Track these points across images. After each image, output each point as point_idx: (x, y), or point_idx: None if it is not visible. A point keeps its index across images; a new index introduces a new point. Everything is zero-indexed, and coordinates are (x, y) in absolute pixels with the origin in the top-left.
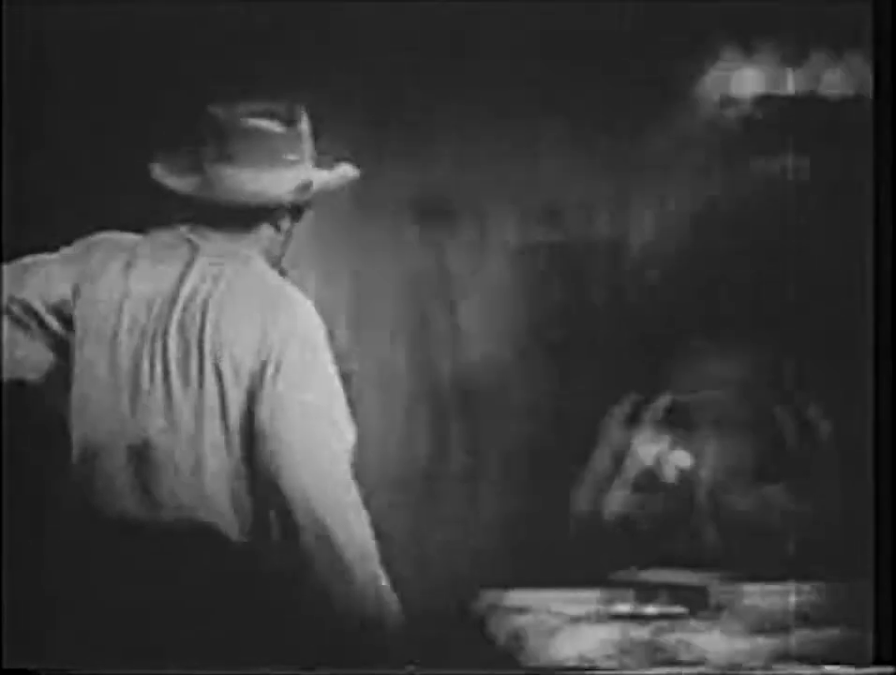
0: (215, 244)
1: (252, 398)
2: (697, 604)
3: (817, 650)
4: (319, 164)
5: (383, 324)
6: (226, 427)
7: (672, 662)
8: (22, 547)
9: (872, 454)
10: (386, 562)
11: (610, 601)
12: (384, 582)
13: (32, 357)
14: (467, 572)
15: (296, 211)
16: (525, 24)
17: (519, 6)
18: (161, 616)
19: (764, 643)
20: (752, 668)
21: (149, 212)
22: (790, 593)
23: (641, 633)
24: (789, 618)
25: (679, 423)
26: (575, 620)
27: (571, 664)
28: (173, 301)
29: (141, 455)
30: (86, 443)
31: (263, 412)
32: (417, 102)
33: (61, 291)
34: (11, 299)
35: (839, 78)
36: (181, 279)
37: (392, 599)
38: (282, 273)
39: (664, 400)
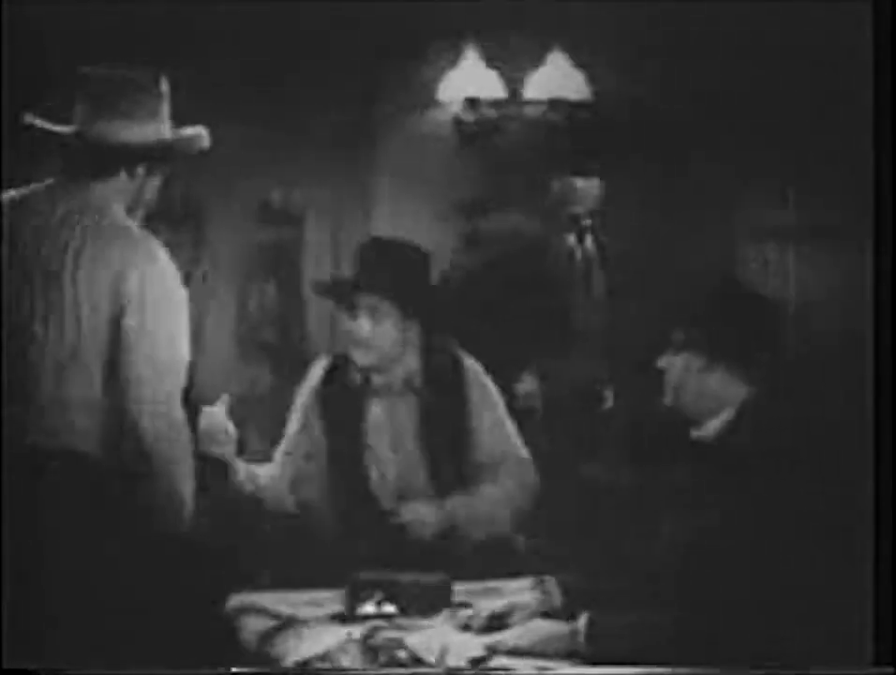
0: (74, 195)
1: (111, 333)
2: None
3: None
4: (175, 124)
5: None
6: (89, 361)
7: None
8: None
9: (872, 453)
10: None
11: (354, 601)
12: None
13: None
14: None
15: (151, 163)
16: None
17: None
18: None
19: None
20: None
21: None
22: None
23: (386, 633)
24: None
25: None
26: (321, 620)
27: (315, 664)
28: (38, 248)
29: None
30: None
31: (120, 345)
32: None
33: None
34: None
35: (577, 82)
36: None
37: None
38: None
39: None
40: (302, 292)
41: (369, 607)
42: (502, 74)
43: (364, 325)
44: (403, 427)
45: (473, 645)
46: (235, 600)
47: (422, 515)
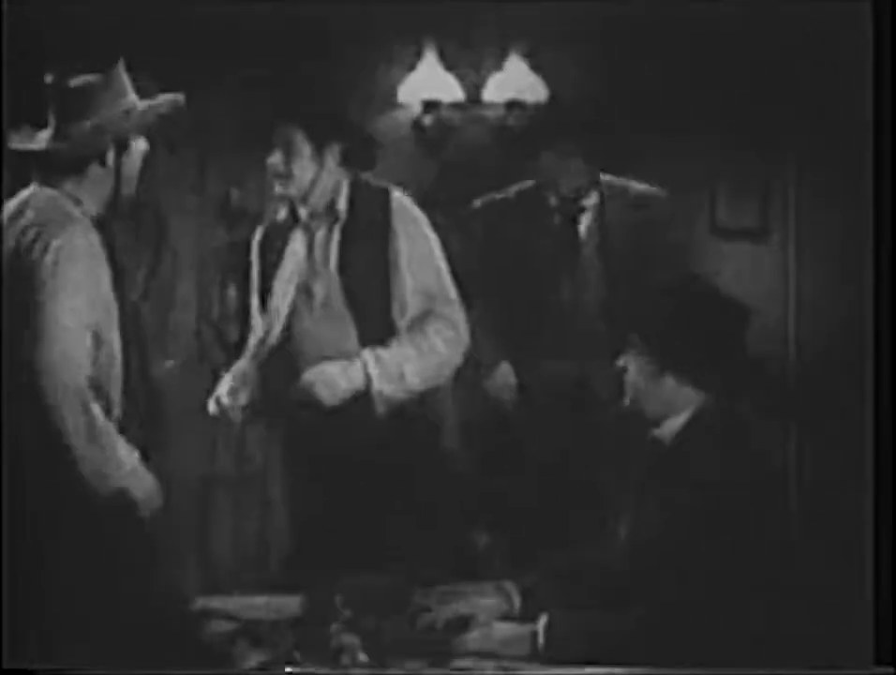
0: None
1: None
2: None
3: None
4: (142, 95)
5: None
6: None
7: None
8: (21, 547)
9: (871, 454)
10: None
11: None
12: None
13: None
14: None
15: (120, 144)
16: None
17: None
18: None
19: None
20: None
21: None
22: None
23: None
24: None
25: None
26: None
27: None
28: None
29: None
30: None
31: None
32: None
33: None
34: None
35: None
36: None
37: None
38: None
39: None
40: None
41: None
42: (461, 76)
43: (277, 157)
44: (323, 257)
45: (433, 647)
46: (199, 603)
47: (328, 377)
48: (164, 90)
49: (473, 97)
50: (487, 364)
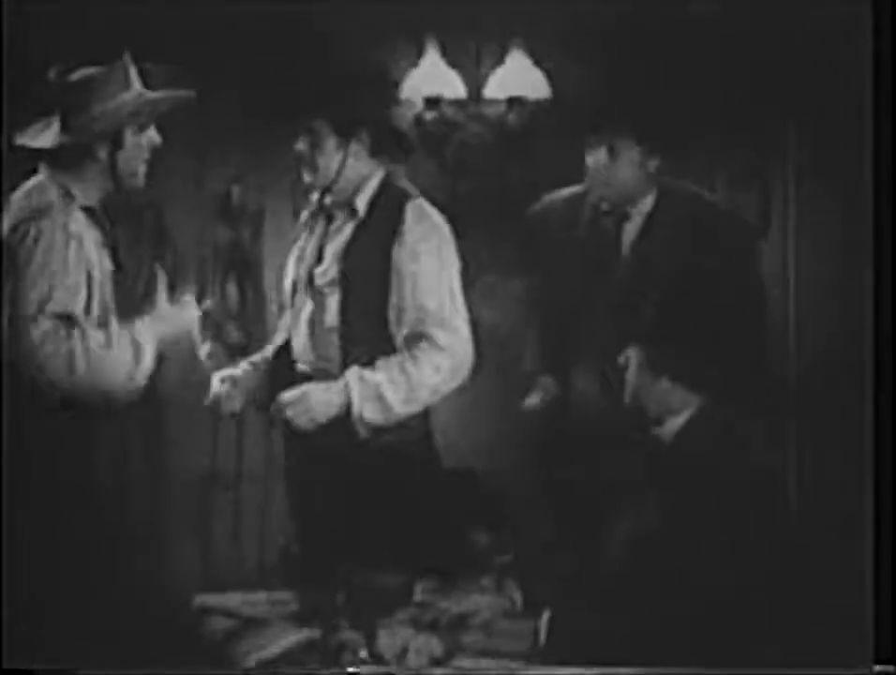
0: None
1: None
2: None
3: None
4: (149, 87)
5: None
6: None
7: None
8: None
9: (871, 453)
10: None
11: (316, 601)
12: None
13: None
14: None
15: (115, 139)
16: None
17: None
18: None
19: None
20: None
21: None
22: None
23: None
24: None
25: None
26: (284, 620)
27: (276, 664)
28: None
29: None
30: None
31: None
32: None
33: None
34: None
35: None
36: None
37: None
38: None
39: None
40: (264, 289)
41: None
42: (463, 73)
43: (303, 144)
44: (332, 253)
45: (435, 645)
46: (198, 600)
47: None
48: (170, 83)
49: (475, 93)
50: (529, 375)
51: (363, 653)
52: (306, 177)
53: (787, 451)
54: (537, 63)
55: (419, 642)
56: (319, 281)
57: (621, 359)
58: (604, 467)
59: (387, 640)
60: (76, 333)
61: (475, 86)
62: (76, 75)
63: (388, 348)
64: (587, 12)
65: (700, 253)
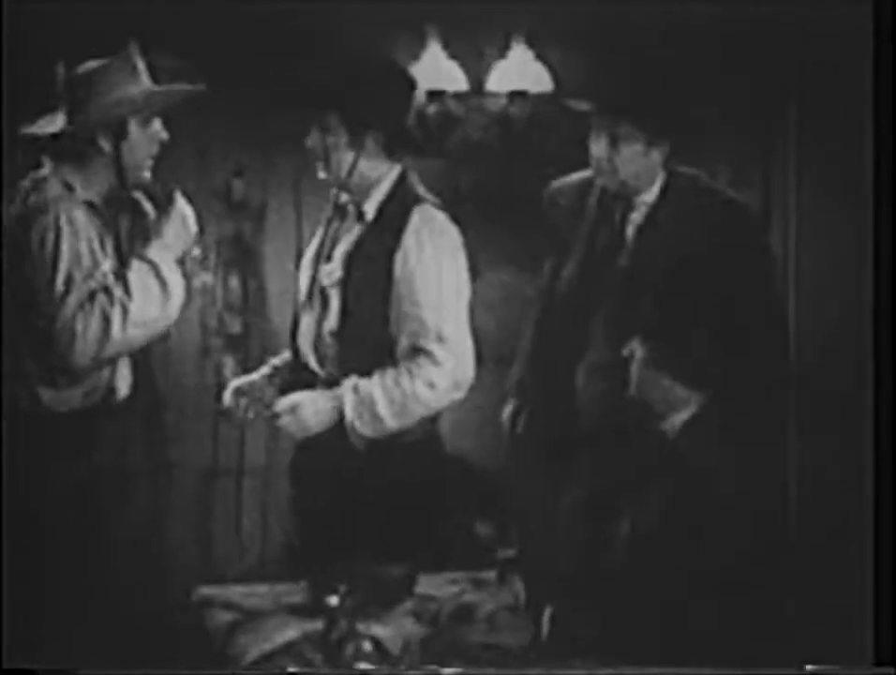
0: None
1: None
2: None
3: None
4: (156, 80)
5: None
6: None
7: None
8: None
9: (871, 455)
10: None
11: (318, 593)
12: None
13: None
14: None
15: (119, 130)
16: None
17: None
18: None
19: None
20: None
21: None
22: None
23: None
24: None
25: None
26: (285, 612)
27: (276, 658)
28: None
29: None
30: None
31: None
32: None
33: None
34: None
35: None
36: None
37: None
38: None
39: None
40: (265, 284)
41: (333, 600)
42: (465, 66)
43: (315, 138)
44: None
45: (437, 637)
46: (199, 593)
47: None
48: (177, 77)
49: (477, 87)
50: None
51: (366, 646)
52: (320, 173)
53: (788, 451)
54: (539, 56)
55: (421, 635)
56: (325, 281)
57: (625, 352)
58: (608, 462)
59: (389, 633)
60: (102, 297)
61: (477, 80)
62: (83, 68)
63: (386, 356)
64: (588, 5)
65: (707, 246)
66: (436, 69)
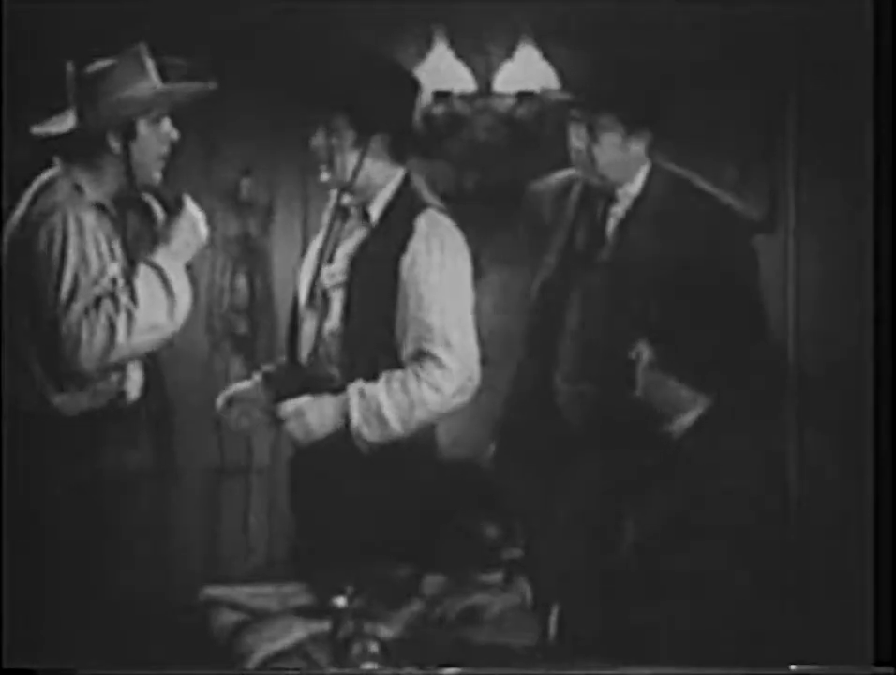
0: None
1: None
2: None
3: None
4: (166, 80)
5: None
6: None
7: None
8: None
9: (871, 455)
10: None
11: (324, 594)
12: None
13: None
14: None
15: (129, 129)
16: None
17: None
18: None
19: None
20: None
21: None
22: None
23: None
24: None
25: None
26: (292, 613)
27: (282, 658)
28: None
29: None
30: None
31: None
32: None
33: None
34: None
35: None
36: None
37: None
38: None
39: None
40: (272, 284)
41: (340, 601)
42: (472, 67)
43: (320, 140)
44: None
45: (444, 638)
46: (206, 593)
47: (305, 418)
48: (185, 76)
49: (484, 87)
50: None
51: (372, 647)
52: (323, 175)
53: (788, 451)
54: (546, 56)
55: (428, 636)
56: (327, 282)
57: (632, 354)
58: (614, 462)
59: (396, 634)
60: (108, 303)
61: (484, 80)
62: (92, 67)
63: (391, 359)
64: (595, 4)
65: (688, 244)
66: (443, 70)
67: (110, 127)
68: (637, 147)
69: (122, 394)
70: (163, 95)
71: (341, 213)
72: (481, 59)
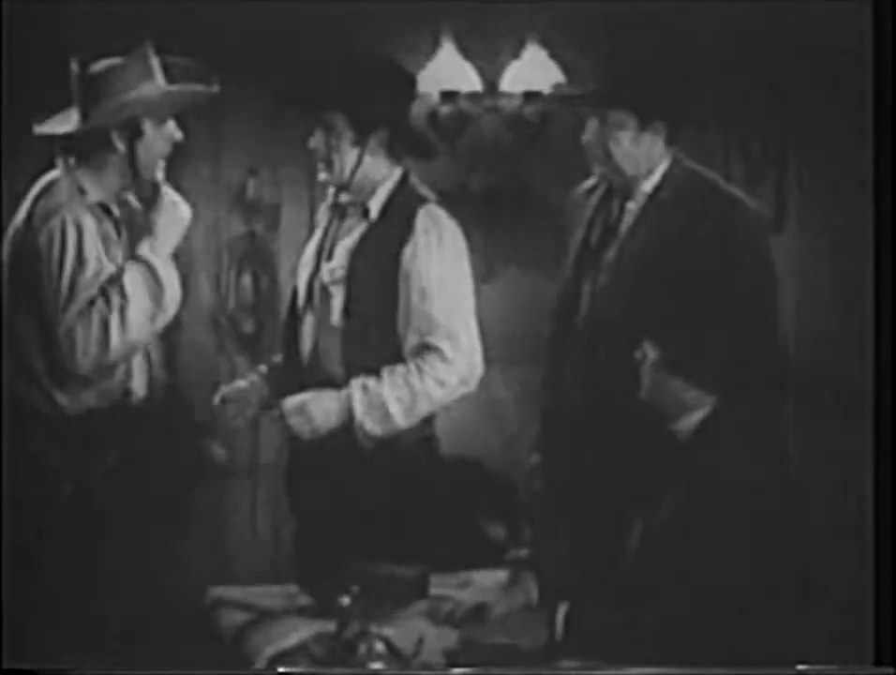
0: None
1: None
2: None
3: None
4: (171, 80)
5: None
6: None
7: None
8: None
9: (871, 456)
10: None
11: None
12: None
13: None
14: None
15: (134, 129)
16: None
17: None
18: None
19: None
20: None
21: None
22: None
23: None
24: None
25: None
26: (297, 612)
27: (288, 658)
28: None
29: None
30: None
31: None
32: None
33: None
34: None
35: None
36: None
37: None
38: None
39: None
40: (278, 283)
41: (346, 601)
42: (479, 66)
43: (319, 139)
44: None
45: (450, 637)
46: (212, 593)
47: (308, 412)
48: (190, 77)
49: (490, 87)
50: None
51: (378, 647)
52: (321, 174)
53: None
54: (553, 56)
55: (434, 635)
56: (326, 279)
57: (638, 354)
58: (621, 462)
59: (403, 634)
60: (101, 304)
61: (491, 80)
62: (97, 66)
63: (393, 354)
64: (602, 4)
65: (700, 243)
66: (450, 70)
67: (114, 127)
68: (654, 142)
69: (128, 392)
70: (168, 95)
71: (339, 211)
72: (488, 59)
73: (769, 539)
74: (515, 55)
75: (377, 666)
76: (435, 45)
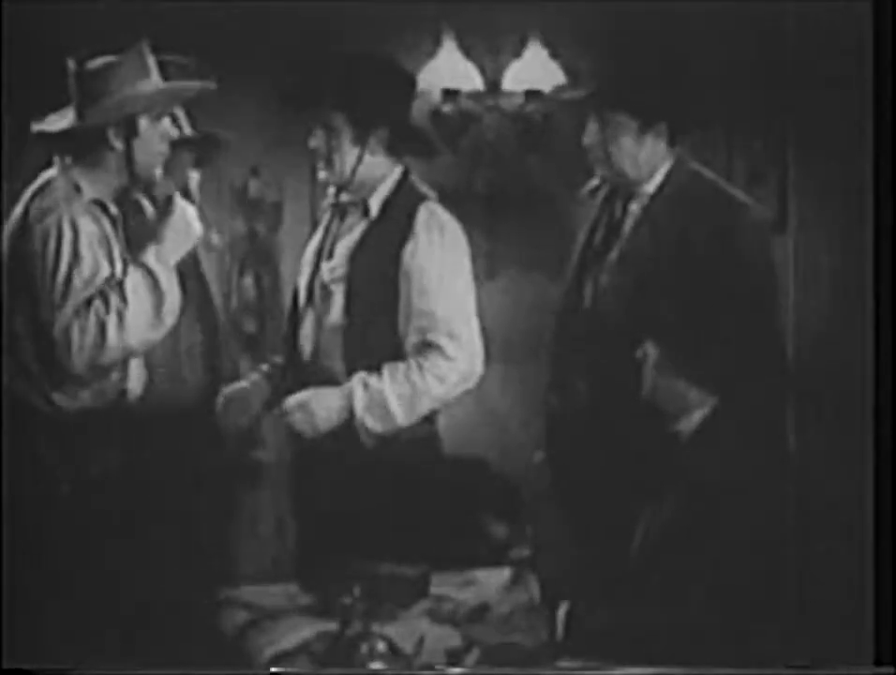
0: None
1: None
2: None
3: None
4: (167, 78)
5: None
6: None
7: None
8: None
9: (871, 456)
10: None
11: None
12: None
13: None
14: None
15: (130, 127)
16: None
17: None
18: None
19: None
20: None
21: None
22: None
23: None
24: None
25: None
26: (299, 611)
27: (290, 657)
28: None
29: None
30: None
31: None
32: None
33: None
34: None
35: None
36: None
37: None
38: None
39: None
40: (280, 283)
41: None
42: (480, 65)
43: (319, 138)
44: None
45: (451, 637)
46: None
47: (310, 409)
48: (187, 74)
49: (492, 85)
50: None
51: (380, 647)
52: (321, 173)
53: (789, 451)
54: (554, 55)
55: (436, 635)
56: (326, 277)
57: (639, 354)
58: (623, 461)
59: (404, 633)
60: (98, 304)
61: (493, 78)
62: (93, 64)
63: (394, 352)
64: (604, 3)
65: (702, 243)
66: (451, 68)
67: (111, 125)
68: (656, 144)
69: (124, 392)
70: (165, 93)
71: (339, 210)
72: (489, 58)
73: (769, 539)
74: (517, 54)
75: (378, 665)
76: (436, 44)
